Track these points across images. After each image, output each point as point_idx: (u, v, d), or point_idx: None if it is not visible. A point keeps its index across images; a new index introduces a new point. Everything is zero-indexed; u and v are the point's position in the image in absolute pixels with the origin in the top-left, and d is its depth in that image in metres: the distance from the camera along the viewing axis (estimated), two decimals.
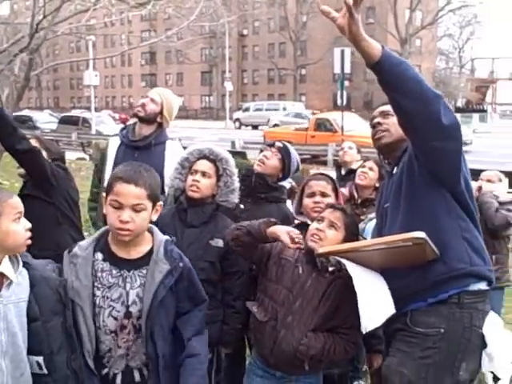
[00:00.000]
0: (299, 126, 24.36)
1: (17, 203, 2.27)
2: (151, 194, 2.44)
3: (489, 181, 4.99)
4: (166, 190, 3.62)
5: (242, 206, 3.56)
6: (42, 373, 2.27)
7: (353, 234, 2.90)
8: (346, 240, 2.83)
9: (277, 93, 59.74)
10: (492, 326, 2.51)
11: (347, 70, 20.07)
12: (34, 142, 3.67)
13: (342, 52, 19.69)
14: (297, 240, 2.75)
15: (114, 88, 77.12)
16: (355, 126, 21.21)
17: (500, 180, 5.06)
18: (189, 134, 27.79)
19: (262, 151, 3.83)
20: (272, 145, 3.82)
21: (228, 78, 49.50)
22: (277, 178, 3.75)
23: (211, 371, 3.17)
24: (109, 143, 4.26)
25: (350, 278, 2.58)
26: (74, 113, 37.65)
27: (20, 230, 2.26)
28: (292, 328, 2.76)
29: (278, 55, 61.93)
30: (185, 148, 4.28)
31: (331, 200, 3.19)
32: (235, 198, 3.36)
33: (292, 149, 3.87)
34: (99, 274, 2.43)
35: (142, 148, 4.07)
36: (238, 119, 44.71)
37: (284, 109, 40.81)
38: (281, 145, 3.79)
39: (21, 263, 2.30)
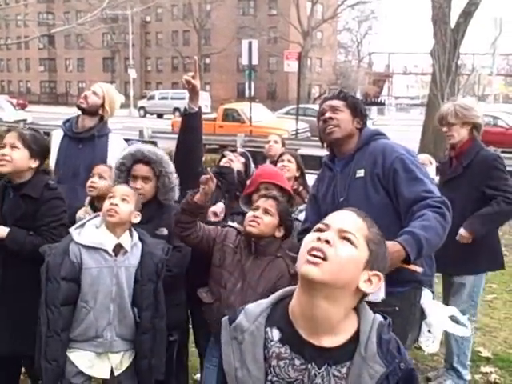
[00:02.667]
0: (207, 117, 24.46)
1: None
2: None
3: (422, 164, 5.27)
4: None
5: (222, 201, 3.72)
6: (137, 320, 2.99)
7: (286, 219, 3.19)
8: (280, 224, 3.14)
9: (181, 81, 59.29)
10: (427, 298, 2.93)
11: (255, 61, 20.33)
12: (14, 139, 3.29)
13: (250, 44, 19.92)
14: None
15: (10, 72, 73.88)
16: (262, 116, 21.66)
17: (430, 163, 5.31)
18: None
19: (223, 156, 4.09)
20: (234, 150, 4.18)
21: (131, 65, 48.70)
22: None
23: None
24: (52, 135, 4.32)
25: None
26: None
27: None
28: (234, 307, 2.98)
29: (182, 43, 61.46)
30: (126, 140, 4.43)
31: None
32: (175, 195, 3.48)
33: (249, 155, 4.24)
34: (274, 362, 1.71)
35: (86, 140, 4.20)
36: (142, 107, 44.13)
37: None
38: (243, 150, 4.21)
39: (136, 237, 3.05)
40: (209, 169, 3.44)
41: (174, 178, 3.48)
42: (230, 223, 3.35)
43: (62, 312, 2.85)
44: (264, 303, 1.78)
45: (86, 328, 2.92)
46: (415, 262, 2.67)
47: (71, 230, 2.99)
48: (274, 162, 5.73)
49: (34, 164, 3.31)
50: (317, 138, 3.61)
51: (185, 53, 57.87)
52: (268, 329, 1.73)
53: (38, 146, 3.32)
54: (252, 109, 20.44)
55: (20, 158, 3.25)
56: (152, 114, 42.54)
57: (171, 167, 3.47)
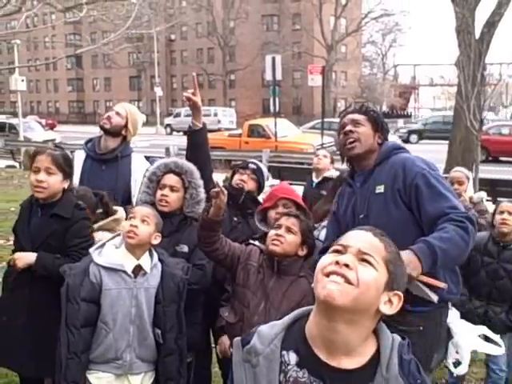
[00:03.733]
0: (232, 132, 24.55)
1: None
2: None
3: (459, 182, 5.02)
4: (134, 200, 3.76)
5: (235, 219, 3.73)
6: (160, 342, 2.97)
7: (308, 237, 3.15)
8: (303, 243, 3.08)
9: (206, 98, 59.76)
10: (454, 318, 2.84)
11: (279, 76, 20.36)
12: (48, 163, 3.24)
13: (273, 59, 19.96)
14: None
15: (39, 93, 75.15)
16: (287, 131, 21.63)
17: (468, 178, 5.11)
18: None
19: (234, 172, 4.01)
20: (245, 167, 3.98)
21: (157, 83, 49.19)
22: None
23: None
24: (74, 156, 4.31)
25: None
26: (2, 119, 36.31)
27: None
28: None
29: (207, 60, 61.92)
30: (148, 158, 4.44)
31: None
32: (200, 208, 3.48)
33: (263, 166, 4.09)
34: None
35: (110, 161, 4.20)
36: (169, 125, 44.48)
37: (215, 114, 40.95)
38: (255, 166, 3.98)
39: (156, 258, 3.03)
40: (219, 181, 3.41)
41: (202, 193, 3.53)
42: (252, 241, 3.32)
43: (82, 333, 2.85)
44: (278, 325, 1.69)
45: (105, 349, 2.92)
46: (438, 278, 2.60)
47: (91, 250, 2.98)
48: (324, 177, 5.68)
49: (66, 185, 3.30)
50: None
51: (210, 70, 58.28)
52: (284, 352, 1.63)
53: (69, 168, 3.33)
54: (277, 124, 20.44)
55: (55, 183, 3.24)
56: (178, 131, 42.78)
57: (200, 181, 3.52)
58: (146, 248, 3.03)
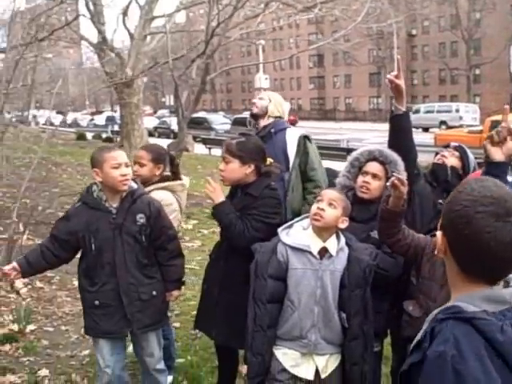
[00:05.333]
0: (472, 129, 23.38)
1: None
2: None
3: None
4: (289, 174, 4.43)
5: (440, 202, 3.61)
6: (345, 325, 2.99)
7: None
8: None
9: (449, 94, 57.62)
10: None
11: None
12: (225, 153, 3.57)
13: None
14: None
15: (283, 90, 78.83)
16: None
17: None
18: (357, 135, 27.72)
19: (437, 154, 3.95)
20: (447, 146, 3.99)
21: None
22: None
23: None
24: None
25: None
26: (246, 114, 39.02)
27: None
28: None
29: (450, 55, 59.52)
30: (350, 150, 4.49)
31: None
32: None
33: (467, 148, 3.97)
34: None
35: (265, 137, 4.48)
36: None
37: (457, 110, 39.29)
38: (456, 144, 3.97)
39: (343, 242, 3.04)
40: (400, 172, 3.26)
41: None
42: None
43: (268, 309, 2.97)
44: None
45: (290, 327, 3.00)
46: None
47: (279, 230, 3.08)
48: None
49: (249, 169, 3.50)
50: None
51: (452, 64, 56.05)
52: None
53: (246, 152, 3.50)
54: None
55: (231, 170, 3.50)
56: (417, 127, 41.90)
57: (404, 173, 3.41)
58: (332, 231, 3.04)
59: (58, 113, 59.53)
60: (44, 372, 4.33)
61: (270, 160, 3.62)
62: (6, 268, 3.43)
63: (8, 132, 12.14)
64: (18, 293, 5.86)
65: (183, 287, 3.81)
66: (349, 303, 2.97)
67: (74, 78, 56.23)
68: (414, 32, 62.64)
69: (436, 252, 1.69)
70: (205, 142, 28.10)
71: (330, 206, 3.01)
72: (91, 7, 25.34)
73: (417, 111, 43.69)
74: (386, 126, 3.70)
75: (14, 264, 3.45)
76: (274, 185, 3.53)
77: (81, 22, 34.92)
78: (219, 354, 3.84)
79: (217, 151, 23.35)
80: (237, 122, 31.07)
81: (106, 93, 58.46)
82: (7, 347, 4.70)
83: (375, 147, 3.60)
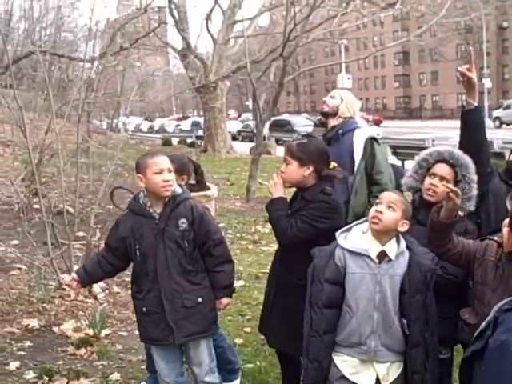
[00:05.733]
0: None
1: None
2: None
3: None
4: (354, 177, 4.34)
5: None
6: (406, 332, 2.86)
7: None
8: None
9: None
10: None
11: None
12: (285, 154, 3.55)
13: None
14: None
15: (367, 90, 77.88)
16: None
17: None
18: (443, 134, 26.89)
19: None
20: None
21: (486, 75, 46.91)
22: None
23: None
24: None
25: None
26: None
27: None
28: None
29: None
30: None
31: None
32: (471, 205, 3.34)
33: None
34: None
35: (332, 139, 4.45)
36: (497, 118, 42.12)
37: None
38: None
39: (403, 246, 2.92)
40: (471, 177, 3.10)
41: (475, 188, 3.33)
42: (489, 236, 3.00)
43: (325, 313, 2.89)
44: None
45: (349, 333, 2.91)
46: None
47: (337, 233, 3.00)
48: None
49: (308, 171, 3.42)
50: None
51: None
52: None
53: (305, 154, 3.42)
54: None
55: (291, 171, 3.44)
56: (508, 124, 40.29)
57: (475, 176, 3.32)
58: (392, 234, 2.93)
59: (146, 119, 61.37)
60: (116, 376, 4.41)
61: (333, 164, 3.52)
62: (67, 279, 3.53)
63: (92, 140, 12.64)
64: (95, 298, 6.03)
65: (234, 294, 3.71)
66: (409, 309, 2.85)
67: (162, 85, 57.68)
68: (505, 25, 60.13)
69: (505, 249, 1.64)
70: None
71: (389, 208, 2.90)
72: (175, 14, 25.99)
73: (508, 107, 42.02)
74: None
75: (74, 274, 3.54)
76: (329, 190, 3.43)
77: (168, 29, 35.74)
78: (280, 361, 3.79)
79: None
80: (318, 124, 30.87)
81: (193, 98, 59.68)
82: (82, 351, 4.82)
83: (445, 148, 3.45)
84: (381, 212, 2.89)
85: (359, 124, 4.67)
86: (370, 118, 46.51)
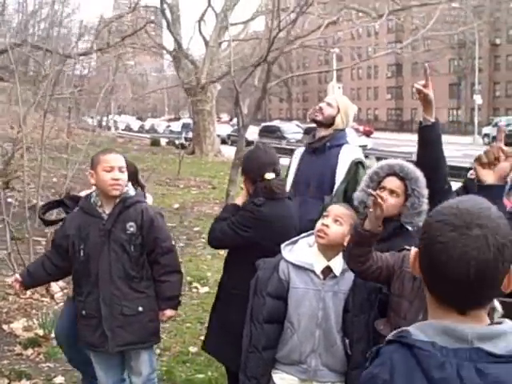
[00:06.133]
0: None
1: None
2: None
3: None
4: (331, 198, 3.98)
5: None
6: (348, 352, 2.79)
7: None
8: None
9: None
10: None
11: None
12: None
13: None
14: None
15: (359, 100, 77.91)
16: None
17: None
18: None
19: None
20: None
21: (477, 91, 47.10)
22: None
23: None
24: (294, 153, 4.49)
25: None
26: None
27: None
28: None
29: None
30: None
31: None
32: (420, 220, 3.16)
33: None
34: None
35: (318, 150, 4.20)
36: (487, 135, 42.20)
37: None
38: None
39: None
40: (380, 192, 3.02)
41: (425, 203, 3.18)
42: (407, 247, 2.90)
43: (265, 329, 2.79)
44: None
45: (290, 350, 2.81)
46: None
47: (282, 246, 2.89)
48: None
49: (246, 180, 3.58)
50: None
51: None
52: None
53: (244, 163, 3.58)
54: None
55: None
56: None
57: (425, 191, 3.19)
58: (338, 249, 2.81)
59: (137, 119, 61.15)
60: (59, 379, 4.30)
61: (270, 175, 3.44)
62: (10, 280, 3.40)
63: (75, 136, 12.47)
64: (52, 297, 5.89)
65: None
66: (352, 328, 2.75)
67: (155, 85, 57.55)
68: (497, 41, 60.42)
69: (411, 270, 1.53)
70: (276, 151, 28.11)
71: (336, 222, 2.79)
72: (168, 14, 25.89)
73: (497, 124, 42.19)
74: (465, 139, 3.47)
75: (17, 275, 3.41)
76: (260, 201, 3.37)
77: (163, 29, 35.62)
78: (227, 373, 3.68)
79: (285, 160, 23.28)
80: (307, 132, 30.85)
81: (186, 100, 59.63)
82: (30, 351, 4.70)
83: (396, 161, 3.34)
84: (327, 226, 2.77)
85: (348, 138, 4.45)
86: (361, 128, 46.52)
